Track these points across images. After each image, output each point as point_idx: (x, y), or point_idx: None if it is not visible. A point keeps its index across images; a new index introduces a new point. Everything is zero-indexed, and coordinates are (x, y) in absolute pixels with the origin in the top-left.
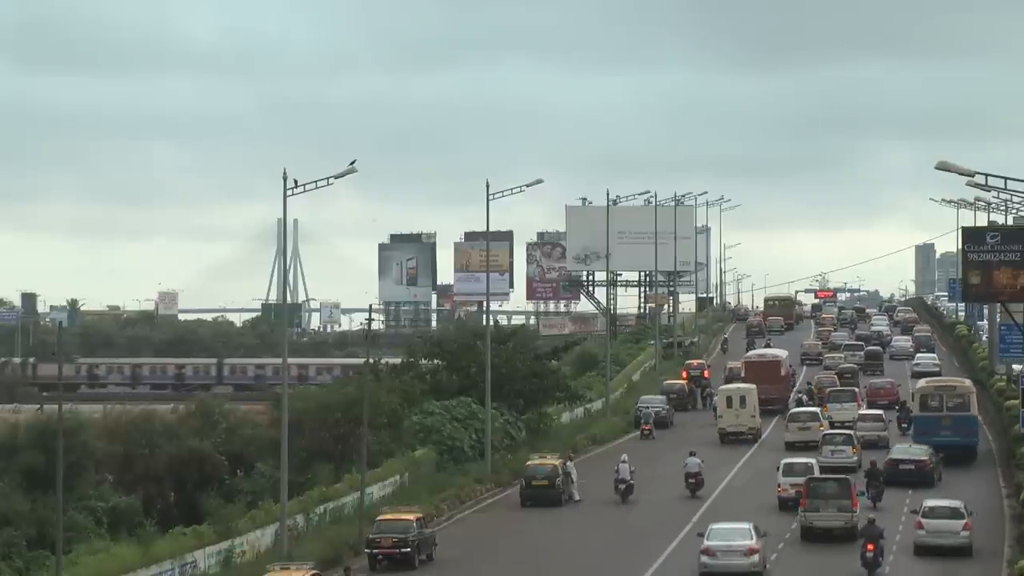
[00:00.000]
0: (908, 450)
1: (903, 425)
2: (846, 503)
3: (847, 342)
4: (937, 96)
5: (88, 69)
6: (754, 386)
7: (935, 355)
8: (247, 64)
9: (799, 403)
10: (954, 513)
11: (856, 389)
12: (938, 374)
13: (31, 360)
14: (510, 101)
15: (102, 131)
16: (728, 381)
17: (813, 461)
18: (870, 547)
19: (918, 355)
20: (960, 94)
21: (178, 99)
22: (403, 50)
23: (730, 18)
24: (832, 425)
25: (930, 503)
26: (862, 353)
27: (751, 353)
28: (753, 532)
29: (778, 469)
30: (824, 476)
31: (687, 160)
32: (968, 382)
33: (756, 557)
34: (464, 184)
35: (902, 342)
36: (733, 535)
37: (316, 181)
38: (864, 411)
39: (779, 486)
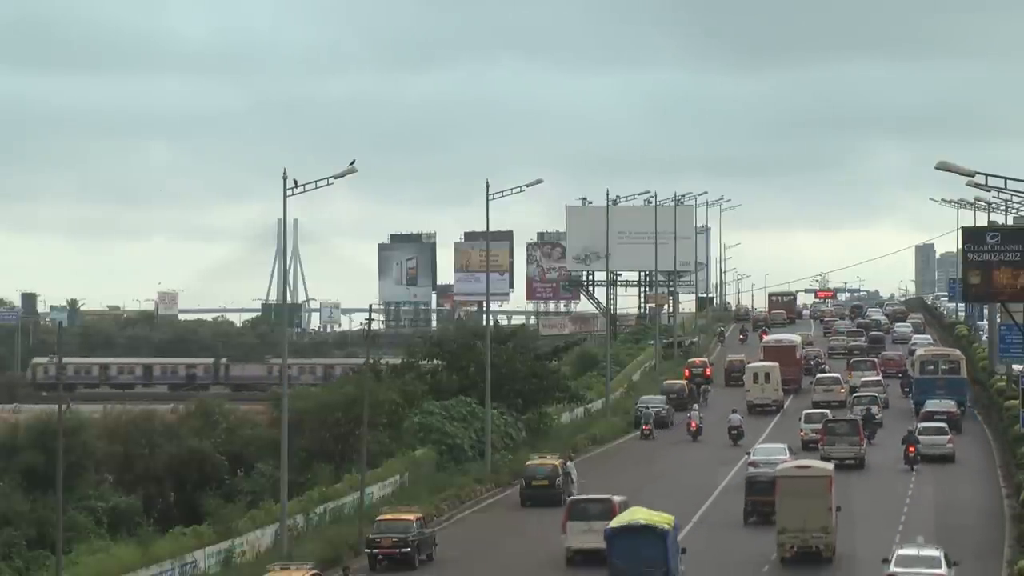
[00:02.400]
0: (940, 404)
1: (905, 389)
2: (855, 439)
3: (850, 328)
4: (937, 96)
5: (86, 69)
6: (777, 364)
7: (929, 335)
8: (244, 64)
9: (823, 371)
10: (940, 431)
11: (875, 359)
12: None
13: (223, 361)
14: (507, 101)
15: (100, 131)
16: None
17: (828, 412)
18: (911, 449)
19: (915, 336)
20: (960, 94)
21: (176, 99)
22: (400, 50)
23: (728, 18)
24: (851, 389)
25: (923, 424)
26: (863, 338)
27: (769, 339)
28: (787, 450)
29: (800, 419)
30: (838, 418)
31: (686, 160)
32: (959, 351)
33: None
34: (463, 184)
35: (903, 328)
36: (772, 452)
37: (316, 181)
38: (865, 378)
39: (801, 431)
